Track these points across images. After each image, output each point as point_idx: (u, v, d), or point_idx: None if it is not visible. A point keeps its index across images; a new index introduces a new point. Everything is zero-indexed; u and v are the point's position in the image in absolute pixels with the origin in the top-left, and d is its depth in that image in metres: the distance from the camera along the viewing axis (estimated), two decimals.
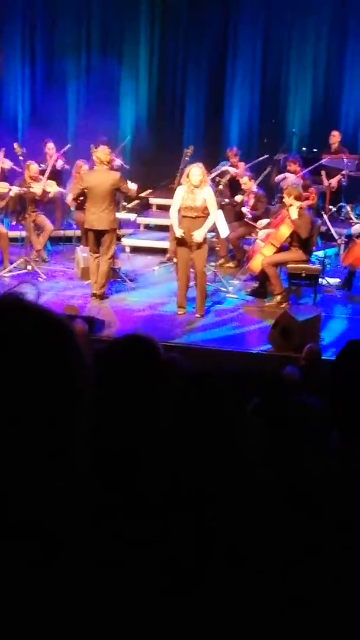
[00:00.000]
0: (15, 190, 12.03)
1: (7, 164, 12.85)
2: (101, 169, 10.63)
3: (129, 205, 13.16)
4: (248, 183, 12.48)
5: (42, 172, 12.63)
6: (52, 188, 12.55)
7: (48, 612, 1.15)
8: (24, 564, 1.14)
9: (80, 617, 1.19)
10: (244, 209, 12.27)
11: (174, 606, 1.41)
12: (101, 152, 10.78)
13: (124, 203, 12.50)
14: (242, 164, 13.67)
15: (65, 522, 1.19)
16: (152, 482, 1.75)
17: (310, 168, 13.13)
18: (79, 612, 1.19)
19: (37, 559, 1.15)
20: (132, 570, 1.38)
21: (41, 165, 12.93)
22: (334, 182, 13.94)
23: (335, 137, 14.58)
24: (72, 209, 12.53)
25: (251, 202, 12.38)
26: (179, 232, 10.11)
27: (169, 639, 1.37)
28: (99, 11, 16.20)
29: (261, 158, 13.59)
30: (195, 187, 9.94)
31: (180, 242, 10.16)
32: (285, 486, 1.89)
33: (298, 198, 10.84)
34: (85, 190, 10.63)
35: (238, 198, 12.57)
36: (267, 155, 13.71)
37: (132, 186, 11.25)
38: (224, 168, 13.36)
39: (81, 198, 11.29)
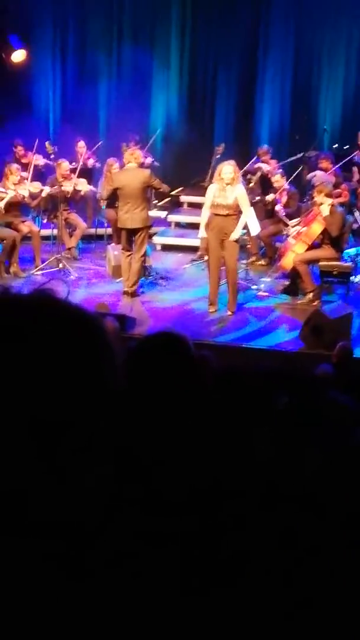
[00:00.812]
0: (47, 190, 12.09)
1: (41, 161, 12.92)
2: (131, 167, 10.65)
3: (160, 203, 13.17)
4: (280, 180, 12.42)
5: (74, 171, 12.67)
6: (83, 187, 12.59)
7: (65, 608, 1.15)
8: (41, 562, 1.14)
9: (94, 615, 1.19)
10: (277, 207, 12.21)
11: (190, 605, 1.40)
12: (130, 153, 10.83)
13: (155, 201, 12.51)
14: (273, 162, 13.62)
15: (88, 520, 1.19)
16: (177, 480, 1.74)
17: (340, 164, 13.04)
18: (94, 610, 1.19)
19: (55, 557, 1.15)
20: (148, 568, 1.38)
21: (72, 163, 12.98)
22: None
23: None
24: (103, 207, 12.57)
25: (284, 199, 12.33)
26: (203, 233, 10.18)
27: (183, 638, 1.37)
28: (130, 7, 16.22)
29: (294, 157, 13.52)
30: (227, 185, 9.94)
31: (212, 239, 10.15)
32: (305, 485, 1.88)
33: (329, 195, 10.79)
34: (117, 190, 10.65)
35: (270, 197, 12.51)
36: (301, 154, 13.65)
37: (164, 189, 11.32)
38: (257, 165, 13.32)
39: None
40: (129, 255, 10.68)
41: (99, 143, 13.95)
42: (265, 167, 13.33)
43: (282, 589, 1.56)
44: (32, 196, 12.03)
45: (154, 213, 12.30)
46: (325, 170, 12.80)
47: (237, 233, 10.07)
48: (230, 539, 1.60)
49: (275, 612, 1.51)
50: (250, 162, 13.48)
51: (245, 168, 12.72)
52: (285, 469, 1.89)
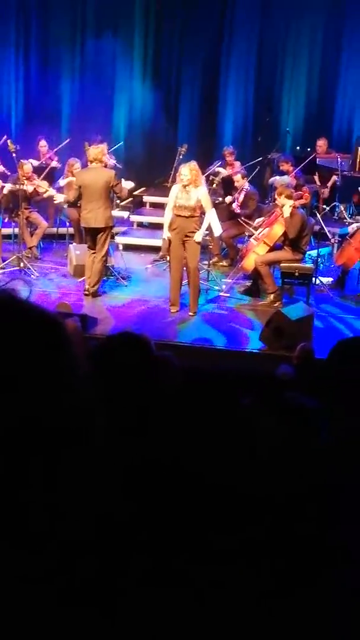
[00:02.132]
0: (8, 187, 12.02)
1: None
2: (95, 166, 10.61)
3: (123, 203, 13.15)
4: (241, 180, 12.50)
5: (37, 172, 12.63)
6: (44, 189, 12.54)
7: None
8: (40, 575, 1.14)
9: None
10: (234, 205, 12.32)
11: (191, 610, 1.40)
12: (94, 150, 10.76)
13: (117, 201, 12.49)
14: (237, 163, 13.67)
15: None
16: (149, 480, 1.74)
17: (301, 166, 13.09)
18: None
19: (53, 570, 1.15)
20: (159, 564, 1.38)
21: (33, 162, 12.92)
22: (326, 192, 13.88)
23: (321, 147, 14.47)
24: (65, 206, 12.52)
25: (241, 198, 12.40)
26: (166, 234, 10.21)
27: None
28: (93, 4, 16.14)
29: (257, 160, 13.57)
30: (185, 186, 9.95)
31: (174, 240, 10.16)
32: (276, 486, 1.89)
33: (289, 197, 10.84)
34: (80, 189, 10.60)
35: (228, 199, 12.57)
36: (262, 158, 13.70)
37: (128, 185, 11.25)
38: (216, 168, 13.36)
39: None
40: (93, 253, 10.65)
41: (64, 142, 13.87)
42: (223, 172, 13.36)
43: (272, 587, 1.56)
44: None
45: (116, 213, 12.27)
46: (285, 172, 12.85)
47: (200, 234, 10.10)
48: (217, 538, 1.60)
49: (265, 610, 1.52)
50: (214, 164, 13.50)
51: (208, 172, 12.74)
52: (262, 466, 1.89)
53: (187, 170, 10.02)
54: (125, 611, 1.23)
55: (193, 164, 10.21)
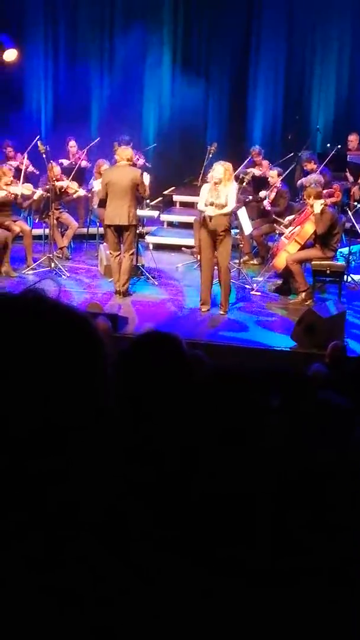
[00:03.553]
0: (39, 193, 12.08)
1: (30, 167, 12.87)
2: (122, 164, 10.63)
3: (153, 203, 13.17)
4: (275, 177, 12.48)
5: (67, 173, 12.69)
6: (74, 189, 12.59)
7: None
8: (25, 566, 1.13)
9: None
10: (265, 202, 12.30)
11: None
12: (123, 151, 10.80)
13: (147, 200, 12.50)
14: (265, 162, 13.64)
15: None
16: (174, 480, 1.73)
17: (325, 162, 13.01)
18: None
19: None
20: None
21: (63, 162, 12.98)
22: (357, 189, 13.78)
23: (353, 142, 14.43)
24: (95, 206, 12.55)
25: (272, 196, 12.37)
26: (210, 211, 10.01)
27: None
28: (121, 5, 16.17)
29: (286, 157, 13.52)
30: (217, 184, 9.93)
31: (205, 238, 10.14)
32: (306, 483, 1.87)
33: (318, 197, 10.79)
34: (106, 186, 10.63)
35: (262, 194, 12.56)
36: (292, 154, 13.66)
37: (146, 179, 11.26)
38: (248, 170, 13.31)
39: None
40: (118, 255, 10.66)
41: (93, 142, 13.91)
42: (256, 172, 13.32)
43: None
44: (24, 198, 12.03)
45: (146, 212, 12.29)
46: (311, 171, 12.78)
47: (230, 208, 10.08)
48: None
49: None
50: (243, 165, 13.47)
51: (237, 171, 12.73)
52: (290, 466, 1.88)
53: (222, 169, 10.01)
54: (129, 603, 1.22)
55: (228, 165, 10.19)
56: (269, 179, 12.66)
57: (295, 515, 1.76)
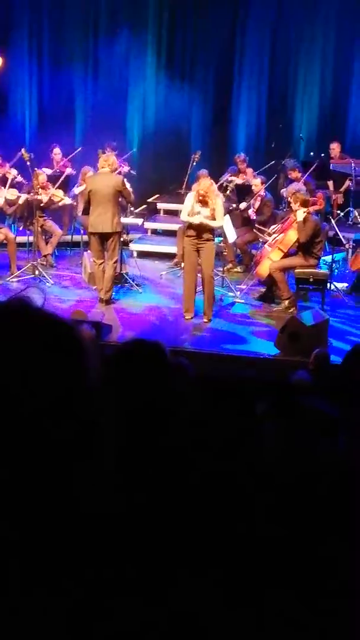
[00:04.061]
0: (23, 198, 12.06)
1: (18, 178, 12.81)
2: (104, 172, 10.64)
3: (137, 210, 13.17)
4: (259, 186, 12.50)
5: (52, 180, 12.67)
6: (59, 197, 12.58)
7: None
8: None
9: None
10: (250, 211, 12.32)
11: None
12: (105, 158, 10.82)
13: (131, 208, 12.50)
14: (249, 170, 13.67)
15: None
16: (163, 488, 1.73)
17: (309, 171, 13.05)
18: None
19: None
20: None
21: (46, 171, 12.96)
22: (340, 197, 13.84)
23: (334, 150, 14.47)
24: (79, 213, 12.54)
25: (256, 204, 12.40)
26: (196, 219, 9.99)
27: None
28: (106, 13, 16.18)
29: (269, 164, 13.56)
30: (203, 197, 9.91)
31: (188, 247, 10.14)
32: (296, 489, 1.88)
33: (304, 204, 10.83)
34: (89, 194, 10.63)
35: (242, 205, 12.57)
36: (274, 162, 13.69)
37: (131, 199, 11.30)
38: (230, 177, 13.34)
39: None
40: (101, 263, 10.66)
41: (77, 150, 13.90)
42: (238, 180, 13.35)
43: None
44: (9, 203, 12.01)
45: (130, 220, 12.29)
46: (295, 180, 12.82)
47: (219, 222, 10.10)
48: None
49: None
50: (226, 172, 13.50)
51: (221, 180, 12.77)
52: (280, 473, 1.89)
53: (208, 183, 10.03)
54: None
55: (210, 182, 10.23)
56: (252, 187, 12.69)
57: (284, 523, 1.76)
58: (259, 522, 1.69)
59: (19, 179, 12.69)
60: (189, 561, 1.49)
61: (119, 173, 11.40)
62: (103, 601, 1.18)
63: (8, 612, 1.10)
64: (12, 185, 12.39)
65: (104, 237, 10.59)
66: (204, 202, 9.92)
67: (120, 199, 10.77)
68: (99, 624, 1.17)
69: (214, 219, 9.98)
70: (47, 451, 1.14)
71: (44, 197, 12.18)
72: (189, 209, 10.02)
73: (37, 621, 1.11)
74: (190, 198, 10.12)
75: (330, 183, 13.93)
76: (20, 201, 12.07)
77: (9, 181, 12.30)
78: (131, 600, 1.25)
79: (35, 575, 1.12)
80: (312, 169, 13.11)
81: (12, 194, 12.05)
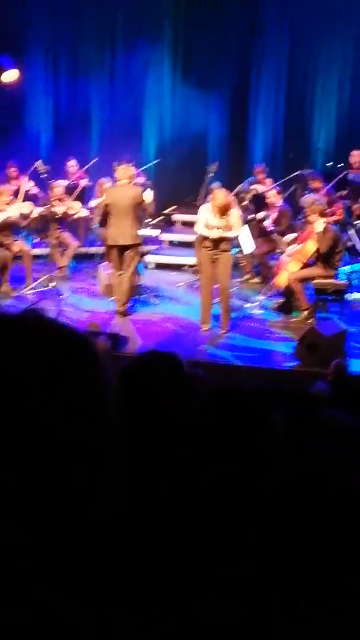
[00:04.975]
0: (37, 211, 12.08)
1: (33, 189, 12.84)
2: (123, 183, 10.64)
3: (153, 222, 13.18)
4: (275, 197, 12.45)
5: (69, 192, 12.70)
6: (76, 210, 12.61)
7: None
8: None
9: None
10: (267, 222, 12.27)
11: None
12: (123, 169, 10.81)
13: (148, 219, 12.52)
14: (269, 181, 13.64)
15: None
16: (179, 498, 1.71)
17: (332, 182, 13.04)
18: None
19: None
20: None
21: (62, 182, 13.00)
22: (358, 208, 13.78)
23: (354, 157, 14.44)
24: (96, 224, 12.56)
25: (274, 215, 12.37)
26: (214, 233, 9.97)
27: None
28: (122, 27, 16.25)
29: (291, 175, 13.53)
30: (219, 208, 9.88)
31: (204, 258, 10.12)
32: (313, 502, 1.85)
33: (322, 214, 10.80)
34: (107, 206, 10.63)
35: (260, 215, 12.54)
36: (298, 172, 13.67)
37: (148, 197, 11.22)
38: (251, 187, 13.33)
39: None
40: (121, 274, 10.66)
41: (92, 161, 13.94)
42: (260, 188, 13.33)
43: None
44: (24, 216, 12.04)
45: (147, 231, 12.31)
46: (316, 189, 12.79)
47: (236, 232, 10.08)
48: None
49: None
50: (245, 182, 13.49)
51: (238, 188, 12.74)
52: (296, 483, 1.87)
53: (223, 196, 9.98)
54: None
55: (226, 192, 10.19)
56: (268, 199, 12.64)
57: (300, 534, 1.74)
58: (270, 529, 1.66)
59: (34, 190, 12.73)
60: (198, 571, 1.47)
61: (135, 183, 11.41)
62: (107, 606, 1.16)
63: (17, 614, 1.09)
64: (28, 198, 12.43)
65: (123, 249, 10.59)
66: (223, 213, 9.88)
67: (139, 212, 10.78)
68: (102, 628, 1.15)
69: (229, 229, 9.96)
70: (62, 463, 1.12)
71: (60, 209, 12.19)
72: (204, 222, 9.99)
73: (41, 621, 1.10)
74: (204, 211, 10.09)
75: (349, 191, 13.88)
76: (34, 214, 12.09)
77: (23, 193, 12.32)
78: (134, 607, 1.23)
79: (43, 576, 1.11)
80: (335, 180, 13.08)
81: (26, 207, 12.08)
